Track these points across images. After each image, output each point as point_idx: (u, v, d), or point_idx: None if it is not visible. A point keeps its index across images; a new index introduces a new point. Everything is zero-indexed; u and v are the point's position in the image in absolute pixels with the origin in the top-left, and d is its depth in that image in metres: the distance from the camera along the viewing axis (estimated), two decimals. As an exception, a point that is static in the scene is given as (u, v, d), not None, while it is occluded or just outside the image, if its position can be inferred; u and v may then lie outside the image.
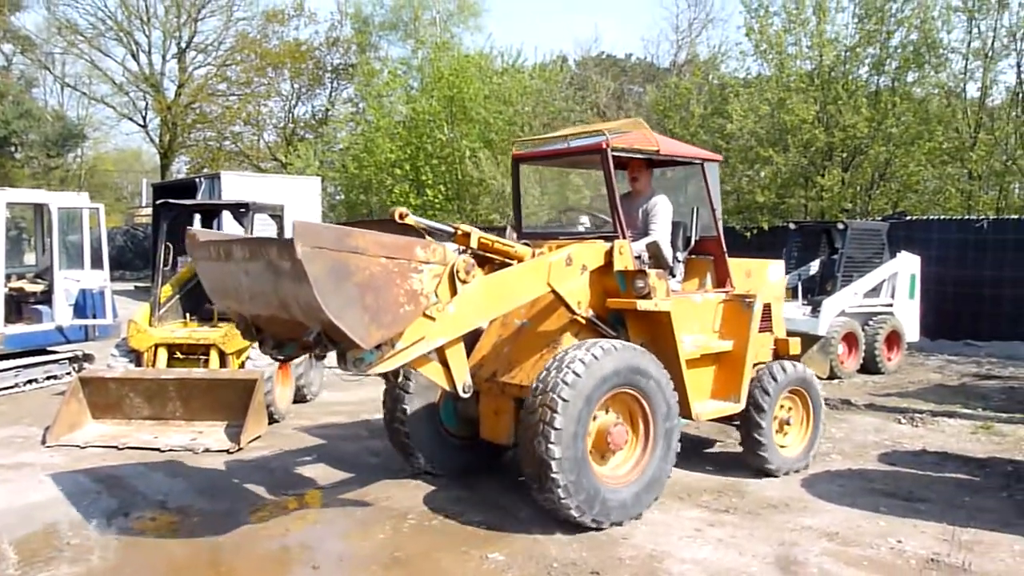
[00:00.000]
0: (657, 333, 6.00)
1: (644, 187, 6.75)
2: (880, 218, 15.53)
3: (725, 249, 6.76)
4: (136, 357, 8.41)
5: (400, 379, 6.21)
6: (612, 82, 31.14)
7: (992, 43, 16.99)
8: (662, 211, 6.54)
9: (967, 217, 15.51)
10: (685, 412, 5.97)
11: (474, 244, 5.37)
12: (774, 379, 6.55)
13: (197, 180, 22.31)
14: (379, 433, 8.00)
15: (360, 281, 4.22)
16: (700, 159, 6.73)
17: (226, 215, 10.81)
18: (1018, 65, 16.88)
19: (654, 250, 6.28)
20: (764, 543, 5.14)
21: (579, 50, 37.43)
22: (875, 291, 12.55)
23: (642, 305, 5.76)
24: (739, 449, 6.76)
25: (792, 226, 13.49)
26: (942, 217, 16.18)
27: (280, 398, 8.39)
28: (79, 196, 11.30)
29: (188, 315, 9.01)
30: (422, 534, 5.31)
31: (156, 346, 8.35)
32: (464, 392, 5.10)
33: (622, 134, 6.22)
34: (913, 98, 17.83)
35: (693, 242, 6.71)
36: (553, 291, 5.65)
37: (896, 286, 12.77)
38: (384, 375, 5.90)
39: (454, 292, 4.81)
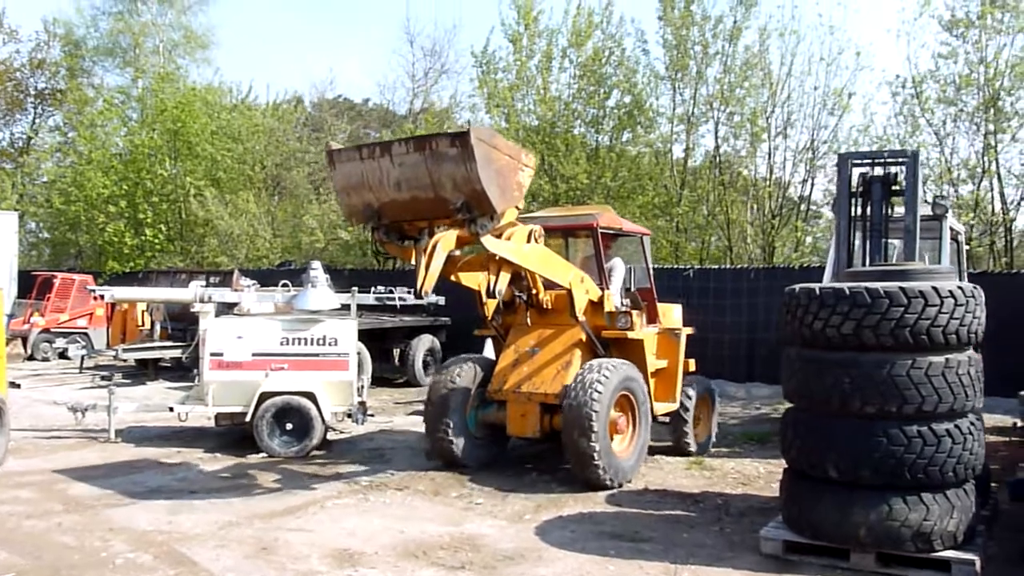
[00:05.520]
0: (632, 354, 8.37)
1: (608, 252, 8.96)
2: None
3: (656, 296, 9.17)
4: None
5: (438, 398, 8.31)
6: (348, 125, 30.88)
7: (693, 109, 18.85)
8: (618, 270, 8.99)
9: (675, 266, 16.85)
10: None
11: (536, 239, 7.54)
12: (693, 389, 9.24)
13: None
14: (75, 507, 7.02)
15: (497, 168, 6.19)
16: (640, 234, 9.48)
17: None
18: (715, 130, 18.81)
19: (632, 297, 8.76)
20: (500, 600, 5.02)
21: (315, 91, 36.68)
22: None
23: (631, 334, 8.34)
24: (479, 502, 7.19)
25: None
26: (655, 266, 17.43)
27: (-51, 471, 7.13)
28: None
29: None
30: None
31: None
32: (496, 295, 7.40)
33: (601, 215, 8.71)
34: (627, 156, 19.30)
35: (633, 290, 9.08)
36: (570, 291, 8.00)
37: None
38: None
39: (528, 242, 7.33)
